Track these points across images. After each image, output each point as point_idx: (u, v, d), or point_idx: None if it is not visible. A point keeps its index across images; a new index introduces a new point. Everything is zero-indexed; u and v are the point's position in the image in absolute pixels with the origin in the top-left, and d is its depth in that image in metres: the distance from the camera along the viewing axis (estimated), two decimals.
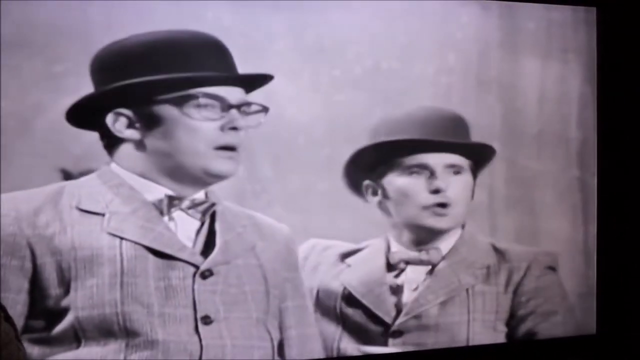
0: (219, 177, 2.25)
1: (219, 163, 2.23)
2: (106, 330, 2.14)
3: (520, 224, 2.81)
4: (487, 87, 2.79)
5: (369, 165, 2.57)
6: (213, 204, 2.26)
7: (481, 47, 2.79)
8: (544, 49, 2.87)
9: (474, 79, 2.78)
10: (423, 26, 2.72)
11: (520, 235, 2.80)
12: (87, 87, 2.31)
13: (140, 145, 2.21)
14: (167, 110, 2.21)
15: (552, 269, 2.69)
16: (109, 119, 2.22)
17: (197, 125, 2.21)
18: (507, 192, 2.60)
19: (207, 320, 2.19)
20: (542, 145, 2.87)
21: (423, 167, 2.55)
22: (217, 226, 2.25)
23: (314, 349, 2.39)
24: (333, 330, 2.51)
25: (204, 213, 2.25)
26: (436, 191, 2.55)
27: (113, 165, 2.23)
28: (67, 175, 2.40)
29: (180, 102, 2.20)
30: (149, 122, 2.21)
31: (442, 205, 2.55)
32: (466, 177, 2.59)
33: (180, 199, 2.23)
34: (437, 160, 2.55)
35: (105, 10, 2.39)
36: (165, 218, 2.22)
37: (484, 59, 2.80)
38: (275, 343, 2.29)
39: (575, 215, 2.91)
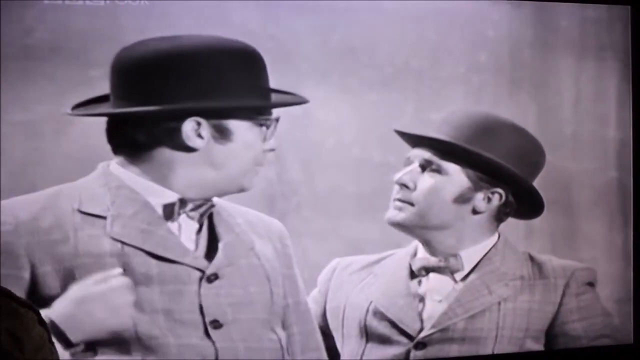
0: (243, 191, 2.21)
1: (251, 179, 2.19)
2: (119, 337, 2.08)
3: (556, 227, 2.73)
4: (519, 85, 2.73)
5: None
6: (212, 205, 2.20)
7: (513, 45, 2.73)
8: (578, 46, 2.79)
9: (506, 78, 2.72)
10: (453, 24, 2.68)
11: (556, 238, 2.72)
12: None
13: (189, 153, 2.13)
14: (232, 126, 2.15)
15: (591, 284, 2.52)
16: (187, 125, 2.11)
17: (252, 145, 2.16)
18: (542, 194, 2.51)
19: (216, 324, 2.15)
20: (578, 146, 2.78)
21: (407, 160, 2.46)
22: (216, 227, 2.20)
23: (314, 346, 2.34)
24: (357, 346, 2.46)
25: (202, 215, 2.18)
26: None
27: (112, 167, 2.17)
28: None
29: (246, 118, 2.15)
30: (217, 133, 2.14)
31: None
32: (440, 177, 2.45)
33: (185, 202, 2.17)
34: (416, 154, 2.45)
35: (136, 15, 2.44)
36: (168, 221, 2.15)
37: (517, 57, 2.73)
38: (284, 343, 2.24)
39: (614, 217, 2.81)
